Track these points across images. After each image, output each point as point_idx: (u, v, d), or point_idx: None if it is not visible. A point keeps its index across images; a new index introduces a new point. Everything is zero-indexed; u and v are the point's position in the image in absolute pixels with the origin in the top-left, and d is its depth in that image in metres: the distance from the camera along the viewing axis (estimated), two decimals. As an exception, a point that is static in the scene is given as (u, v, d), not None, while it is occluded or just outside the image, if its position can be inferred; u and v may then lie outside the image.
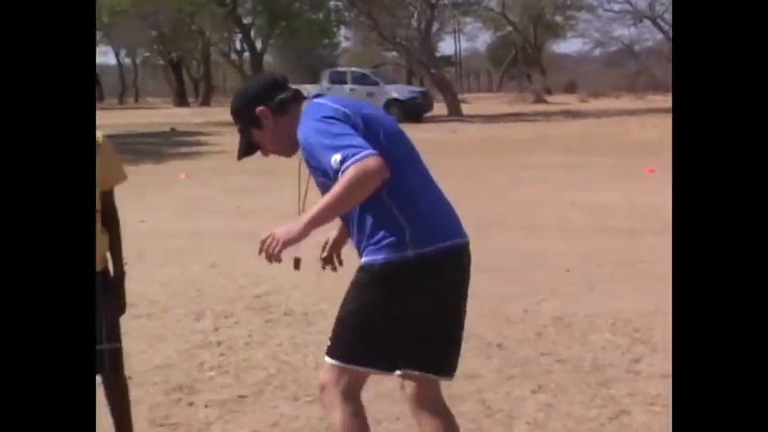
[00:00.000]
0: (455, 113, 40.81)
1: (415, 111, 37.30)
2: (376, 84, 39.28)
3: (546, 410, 5.47)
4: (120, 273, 4.44)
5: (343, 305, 3.86)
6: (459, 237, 3.93)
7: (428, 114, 38.82)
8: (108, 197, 4.40)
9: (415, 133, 20.49)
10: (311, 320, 7.49)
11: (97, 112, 4.42)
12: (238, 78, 50.35)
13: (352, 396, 3.83)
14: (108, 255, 4.45)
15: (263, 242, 3.64)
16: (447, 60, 64.88)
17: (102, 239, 4.38)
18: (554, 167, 19.17)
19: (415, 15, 46.83)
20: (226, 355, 6.47)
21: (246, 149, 4.03)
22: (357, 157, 3.52)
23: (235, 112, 4.00)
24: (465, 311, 4.04)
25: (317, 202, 3.62)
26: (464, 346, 6.46)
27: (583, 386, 5.85)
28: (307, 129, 3.73)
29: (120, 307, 4.45)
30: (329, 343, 3.87)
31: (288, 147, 3.91)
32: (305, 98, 3.97)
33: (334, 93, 37.85)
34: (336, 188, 3.54)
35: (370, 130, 3.73)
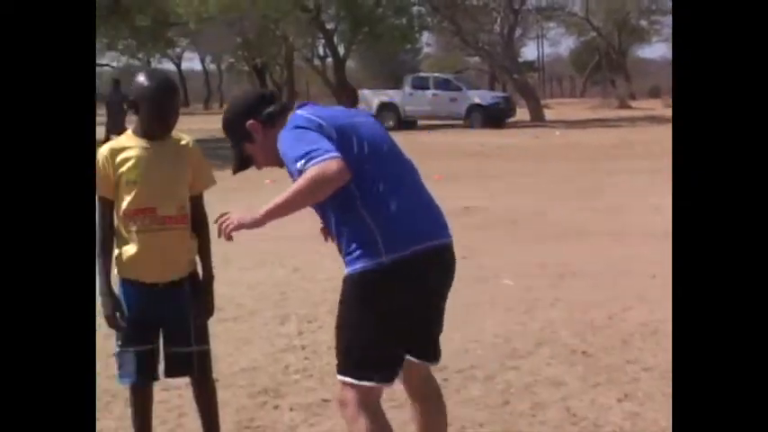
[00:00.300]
0: (538, 119, 40.56)
1: (497, 116, 37.22)
2: (458, 89, 39.19)
3: (632, 419, 5.40)
4: (208, 276, 4.51)
5: (337, 322, 3.95)
6: (438, 238, 3.94)
7: (510, 120, 38.66)
8: (197, 201, 4.46)
9: (497, 139, 20.51)
10: None
11: (182, 116, 4.49)
12: (321, 84, 50.72)
13: (370, 407, 3.88)
14: (197, 259, 4.51)
15: (217, 219, 3.79)
16: (530, 66, 64.45)
17: (191, 243, 4.45)
18: (639, 173, 18.91)
19: (498, 21, 46.70)
20: (310, 359, 6.51)
21: (240, 164, 4.08)
22: (318, 159, 3.59)
23: (226, 127, 4.06)
24: (444, 308, 4.15)
25: (276, 198, 3.71)
26: (548, 352, 6.46)
27: (670, 395, 5.76)
28: (282, 138, 3.83)
29: (209, 310, 4.52)
30: (336, 361, 3.93)
31: (278, 159, 3.92)
32: (290, 111, 4.02)
33: (416, 98, 38.15)
34: (295, 185, 3.65)
35: (343, 140, 3.77)
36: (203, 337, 4.47)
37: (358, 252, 3.78)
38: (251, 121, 3.92)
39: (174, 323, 4.43)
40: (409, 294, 3.84)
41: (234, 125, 4.00)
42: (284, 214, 3.75)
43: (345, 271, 3.85)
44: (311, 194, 3.67)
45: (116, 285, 4.43)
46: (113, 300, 4.36)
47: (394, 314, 3.82)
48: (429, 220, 3.96)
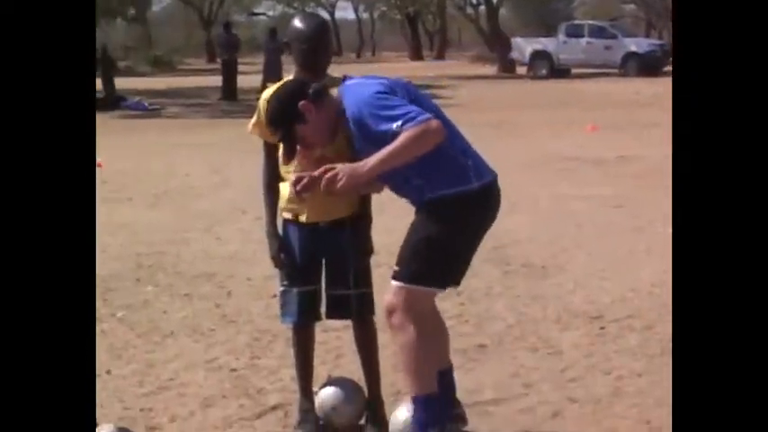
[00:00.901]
0: (695, 66, 39.56)
1: (653, 64, 36.44)
2: (614, 37, 38.44)
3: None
4: (367, 218, 4.56)
5: (415, 234, 4.10)
6: (495, 173, 4.21)
7: (667, 69, 37.77)
8: None
9: (652, 87, 20.07)
10: (549, 273, 7.49)
11: (334, 65, 4.54)
12: (473, 32, 50.41)
13: (421, 317, 4.09)
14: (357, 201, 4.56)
15: (325, 173, 3.93)
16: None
17: None
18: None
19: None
20: (466, 305, 6.56)
21: (291, 150, 4.19)
22: (418, 119, 3.86)
23: (276, 116, 4.14)
24: None
25: (377, 153, 3.90)
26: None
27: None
28: (360, 105, 4.01)
29: (367, 251, 4.57)
30: (398, 268, 4.09)
31: (327, 133, 4.16)
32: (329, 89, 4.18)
33: (570, 46, 37.62)
34: (399, 143, 3.86)
35: (412, 98, 4.07)
36: (364, 279, 4.51)
37: (449, 180, 4.04)
38: (302, 102, 4.03)
39: (334, 264, 4.49)
40: (483, 218, 4.17)
41: (285, 111, 4.09)
42: (386, 169, 3.95)
43: (431, 196, 4.03)
44: (416, 151, 3.89)
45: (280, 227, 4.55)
46: (278, 240, 4.51)
47: (473, 232, 4.15)
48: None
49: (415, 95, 4.14)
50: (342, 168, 3.92)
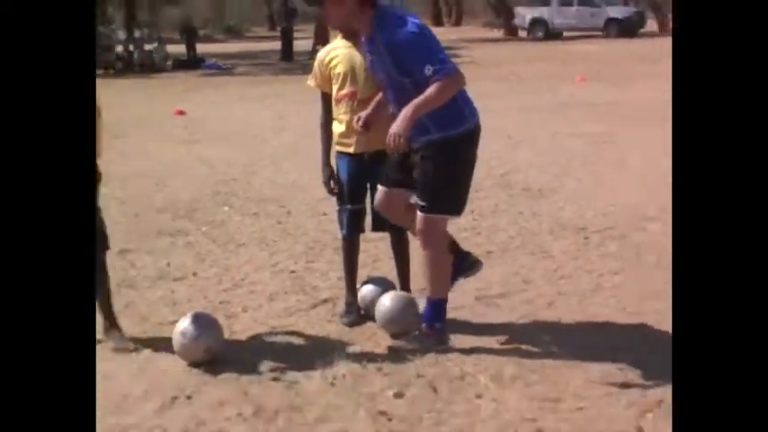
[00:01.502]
0: (664, 30, 38.94)
1: (630, 28, 35.95)
2: (598, 6, 37.78)
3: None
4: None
5: (433, 173, 4.01)
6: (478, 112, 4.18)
7: (642, 30, 37.27)
8: None
9: (630, 46, 19.78)
10: (544, 194, 7.47)
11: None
12: (484, 2, 49.64)
13: (441, 236, 4.16)
14: None
15: (388, 142, 3.84)
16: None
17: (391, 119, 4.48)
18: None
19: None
20: (477, 220, 6.56)
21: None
22: (448, 68, 3.83)
23: None
24: None
25: (413, 101, 3.82)
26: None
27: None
28: (399, 36, 3.91)
29: None
30: (423, 203, 4.05)
31: (350, 29, 4.14)
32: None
33: (562, 13, 37.07)
34: (432, 91, 3.80)
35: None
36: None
37: (453, 122, 4.01)
38: None
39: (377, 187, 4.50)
40: (476, 151, 4.15)
41: None
42: (425, 112, 3.87)
43: (439, 135, 3.97)
44: (445, 98, 3.87)
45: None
46: (329, 170, 4.55)
47: (472, 165, 4.14)
48: None
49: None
50: (395, 129, 3.82)
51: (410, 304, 4.36)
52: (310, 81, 4.61)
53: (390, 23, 3.96)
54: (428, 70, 3.81)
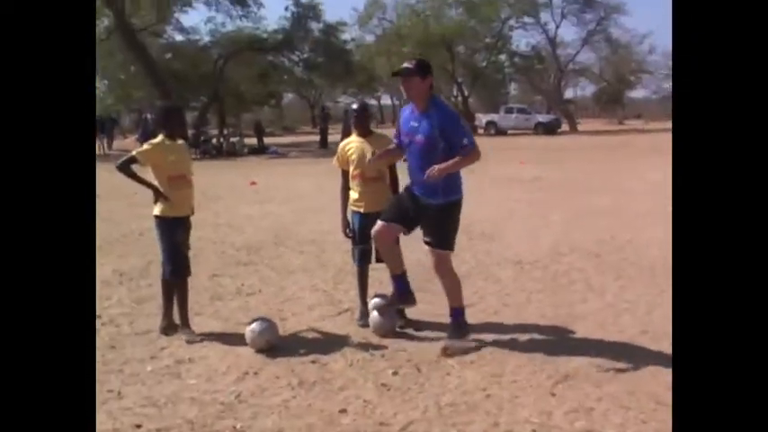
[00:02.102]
0: (574, 130, 39.05)
1: (551, 128, 36.11)
2: (530, 113, 38.11)
3: (623, 289, 5.24)
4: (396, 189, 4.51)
5: (441, 225, 3.95)
6: None
7: (559, 130, 37.41)
8: (392, 168, 4.51)
9: (551, 141, 19.60)
10: (494, 239, 7.40)
11: (379, 128, 4.55)
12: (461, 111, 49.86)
13: (451, 266, 4.05)
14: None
15: (428, 173, 3.72)
16: (569, 101, 61.36)
17: (387, 191, 4.48)
18: (632, 159, 18.13)
19: (552, 76, 45.16)
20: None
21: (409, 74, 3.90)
22: (475, 145, 3.80)
23: (426, 65, 3.95)
24: None
25: (448, 162, 3.73)
26: (577, 254, 6.26)
27: (647, 279, 5.60)
28: (452, 114, 3.88)
29: None
30: (434, 241, 3.95)
31: (423, 100, 3.88)
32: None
33: (507, 118, 37.20)
34: (464, 157, 3.74)
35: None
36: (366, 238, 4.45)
37: (454, 189, 3.93)
38: (431, 78, 3.91)
39: None
40: (461, 209, 4.03)
41: (428, 69, 3.92)
42: (451, 171, 3.81)
43: (445, 199, 3.91)
44: (469, 163, 3.80)
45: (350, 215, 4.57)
46: (345, 222, 4.56)
47: (460, 217, 4.03)
48: None
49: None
50: (436, 172, 3.71)
51: (388, 316, 4.27)
52: (334, 162, 4.61)
53: (444, 106, 3.96)
54: (465, 141, 3.78)
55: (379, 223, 4.10)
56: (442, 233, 3.99)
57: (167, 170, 4.27)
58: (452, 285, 4.09)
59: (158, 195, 4.27)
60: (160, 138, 4.31)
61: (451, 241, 4.04)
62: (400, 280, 4.21)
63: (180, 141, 4.42)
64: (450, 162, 3.76)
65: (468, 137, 3.82)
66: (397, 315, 4.32)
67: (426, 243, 4.02)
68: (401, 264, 4.23)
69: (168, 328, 4.41)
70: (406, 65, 3.92)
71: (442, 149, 3.81)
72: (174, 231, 4.29)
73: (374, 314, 4.32)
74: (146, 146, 4.30)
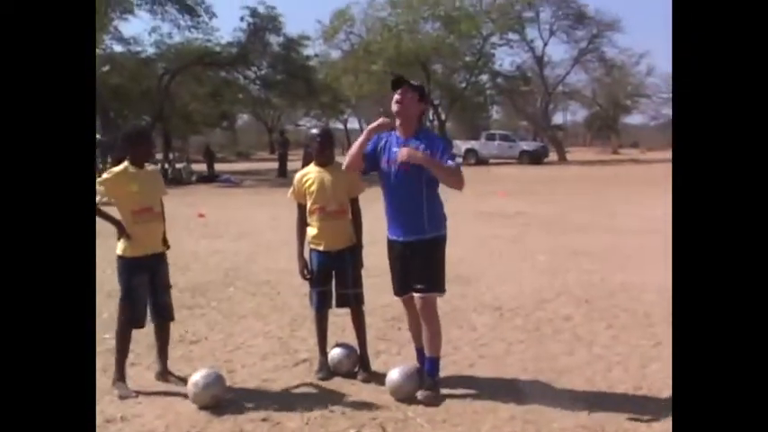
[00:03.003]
0: (563, 159, 39.78)
1: (537, 157, 36.72)
2: (514, 141, 38.69)
3: (615, 338, 5.29)
4: (359, 246, 4.55)
5: (429, 264, 4.08)
6: None
7: (546, 160, 38.04)
8: (354, 202, 4.56)
9: (537, 171, 19.95)
10: (471, 282, 7.48)
11: (342, 156, 4.63)
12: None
13: (436, 310, 4.16)
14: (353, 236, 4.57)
15: (403, 153, 3.89)
16: (558, 127, 62.88)
17: (349, 227, 4.53)
18: (626, 193, 18.50)
19: (539, 99, 46.07)
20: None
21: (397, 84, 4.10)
22: (461, 168, 3.99)
23: (426, 92, 4.20)
24: None
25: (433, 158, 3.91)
26: (564, 300, 6.33)
27: (639, 326, 5.68)
28: (440, 141, 4.07)
29: (360, 265, 4.55)
30: (425, 285, 4.07)
31: (412, 125, 4.07)
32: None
33: (488, 146, 37.77)
34: (450, 169, 3.90)
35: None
36: (358, 282, 4.53)
37: (440, 223, 4.10)
38: (425, 104, 4.13)
39: (339, 274, 4.51)
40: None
41: (425, 96, 4.15)
42: (433, 171, 3.93)
43: (432, 235, 4.07)
44: (449, 181, 3.92)
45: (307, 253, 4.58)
46: (303, 262, 4.56)
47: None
48: None
49: None
50: (411, 152, 3.88)
51: (411, 377, 4.15)
52: (289, 195, 4.59)
53: (432, 133, 4.24)
54: (452, 163, 3.93)
55: (402, 299, 4.29)
56: (432, 273, 4.09)
57: (130, 203, 4.18)
58: (436, 332, 4.16)
59: (121, 232, 4.18)
60: (124, 165, 4.22)
61: (442, 282, 4.15)
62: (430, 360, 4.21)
63: (151, 167, 4.38)
64: (436, 161, 3.91)
65: (455, 159, 4.00)
66: (418, 377, 4.20)
67: (417, 291, 4.10)
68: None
69: (121, 384, 4.28)
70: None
71: (426, 181, 3.97)
72: (132, 273, 4.20)
73: (393, 374, 4.17)
74: (105, 175, 4.19)
